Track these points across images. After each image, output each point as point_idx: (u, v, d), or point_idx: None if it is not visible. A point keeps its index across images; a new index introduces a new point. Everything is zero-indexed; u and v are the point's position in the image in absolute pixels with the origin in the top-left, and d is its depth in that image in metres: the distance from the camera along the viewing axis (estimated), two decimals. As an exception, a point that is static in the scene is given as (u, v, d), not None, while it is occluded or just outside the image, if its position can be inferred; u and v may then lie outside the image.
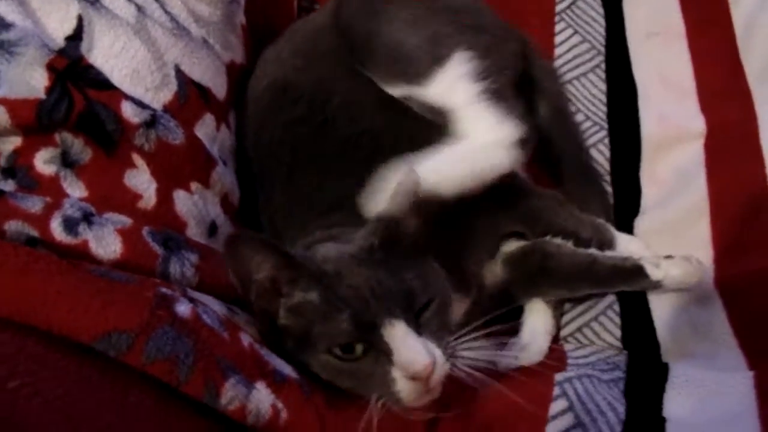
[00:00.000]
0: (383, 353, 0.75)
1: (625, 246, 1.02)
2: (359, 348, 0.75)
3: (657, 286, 0.95)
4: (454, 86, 0.97)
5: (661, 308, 0.97)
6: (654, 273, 0.95)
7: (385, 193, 0.85)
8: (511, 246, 1.00)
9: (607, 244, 1.01)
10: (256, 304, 0.79)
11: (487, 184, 0.92)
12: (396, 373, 0.74)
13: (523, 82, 1.11)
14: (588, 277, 0.97)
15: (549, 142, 1.13)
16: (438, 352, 0.75)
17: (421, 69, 0.97)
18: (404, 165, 0.87)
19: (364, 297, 0.77)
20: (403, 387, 0.74)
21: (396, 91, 0.99)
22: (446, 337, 0.78)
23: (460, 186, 0.90)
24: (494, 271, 0.98)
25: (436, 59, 0.97)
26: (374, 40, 0.99)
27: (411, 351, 0.74)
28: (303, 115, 0.99)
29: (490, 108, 0.96)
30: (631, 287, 0.97)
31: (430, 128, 0.97)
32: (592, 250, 0.98)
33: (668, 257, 0.96)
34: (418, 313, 0.78)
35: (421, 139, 0.94)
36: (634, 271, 0.95)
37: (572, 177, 1.12)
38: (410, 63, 0.97)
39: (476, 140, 0.95)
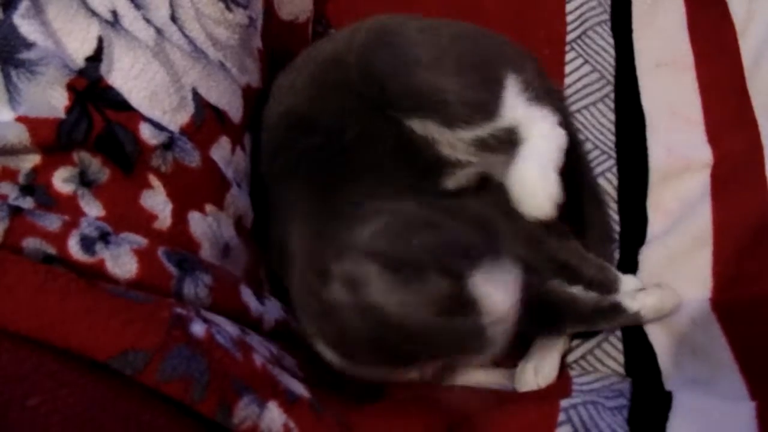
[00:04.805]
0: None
1: (627, 286, 1.02)
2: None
3: (637, 319, 0.97)
4: (515, 106, 0.98)
5: (658, 334, 0.98)
6: (631, 306, 0.97)
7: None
8: None
9: (609, 284, 1.01)
10: None
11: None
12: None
13: None
14: (568, 316, 0.98)
15: None
16: None
17: (487, 108, 0.97)
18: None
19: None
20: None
21: (454, 135, 0.98)
22: None
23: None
24: None
25: (495, 92, 0.98)
26: (418, 91, 0.97)
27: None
28: (319, 144, 0.99)
29: (537, 109, 1.00)
30: (612, 324, 0.99)
31: (440, 161, 0.99)
32: (574, 289, 0.99)
33: (642, 289, 0.98)
34: None
35: (433, 172, 0.98)
36: (613, 308, 0.97)
37: (575, 194, 1.12)
38: (473, 107, 0.97)
39: (538, 136, 0.98)
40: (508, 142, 0.98)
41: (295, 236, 0.96)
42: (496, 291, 0.78)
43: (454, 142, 0.98)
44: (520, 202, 0.95)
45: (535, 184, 0.95)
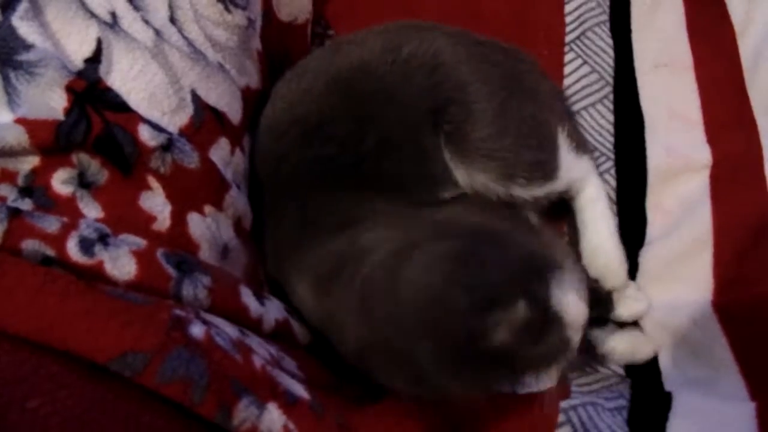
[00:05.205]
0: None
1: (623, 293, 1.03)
2: None
3: (604, 360, 0.99)
4: (570, 167, 1.03)
5: (658, 335, 0.98)
6: (600, 348, 0.98)
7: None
8: None
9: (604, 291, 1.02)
10: None
11: None
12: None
13: None
14: None
15: None
16: None
17: (546, 169, 1.00)
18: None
19: None
20: None
21: (507, 190, 0.99)
22: None
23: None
24: None
25: (552, 153, 1.01)
26: (478, 148, 0.97)
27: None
28: (333, 154, 0.96)
29: (582, 161, 1.06)
30: (580, 359, 0.99)
31: (446, 175, 0.99)
32: None
33: (620, 328, 1.00)
34: None
35: (437, 182, 0.99)
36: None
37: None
38: (534, 169, 0.99)
39: (592, 199, 1.07)
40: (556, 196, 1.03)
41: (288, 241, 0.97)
42: (573, 298, 0.76)
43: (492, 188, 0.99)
44: (600, 276, 1.01)
45: (610, 258, 1.03)
